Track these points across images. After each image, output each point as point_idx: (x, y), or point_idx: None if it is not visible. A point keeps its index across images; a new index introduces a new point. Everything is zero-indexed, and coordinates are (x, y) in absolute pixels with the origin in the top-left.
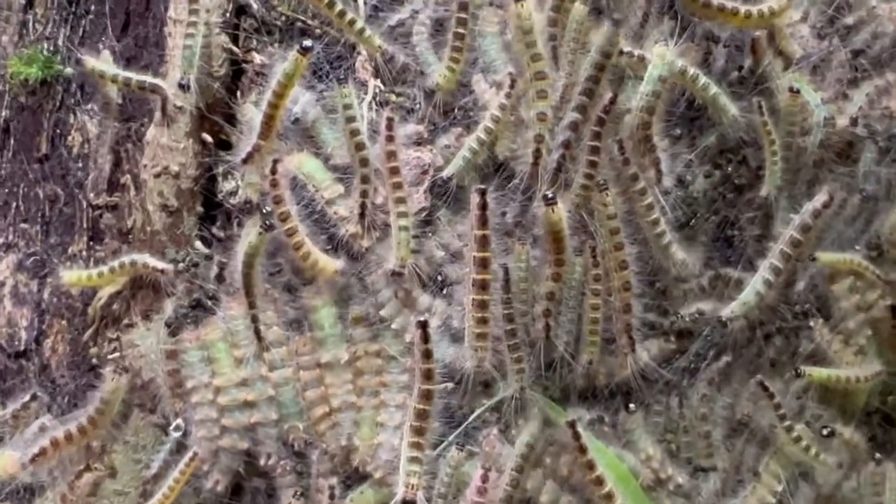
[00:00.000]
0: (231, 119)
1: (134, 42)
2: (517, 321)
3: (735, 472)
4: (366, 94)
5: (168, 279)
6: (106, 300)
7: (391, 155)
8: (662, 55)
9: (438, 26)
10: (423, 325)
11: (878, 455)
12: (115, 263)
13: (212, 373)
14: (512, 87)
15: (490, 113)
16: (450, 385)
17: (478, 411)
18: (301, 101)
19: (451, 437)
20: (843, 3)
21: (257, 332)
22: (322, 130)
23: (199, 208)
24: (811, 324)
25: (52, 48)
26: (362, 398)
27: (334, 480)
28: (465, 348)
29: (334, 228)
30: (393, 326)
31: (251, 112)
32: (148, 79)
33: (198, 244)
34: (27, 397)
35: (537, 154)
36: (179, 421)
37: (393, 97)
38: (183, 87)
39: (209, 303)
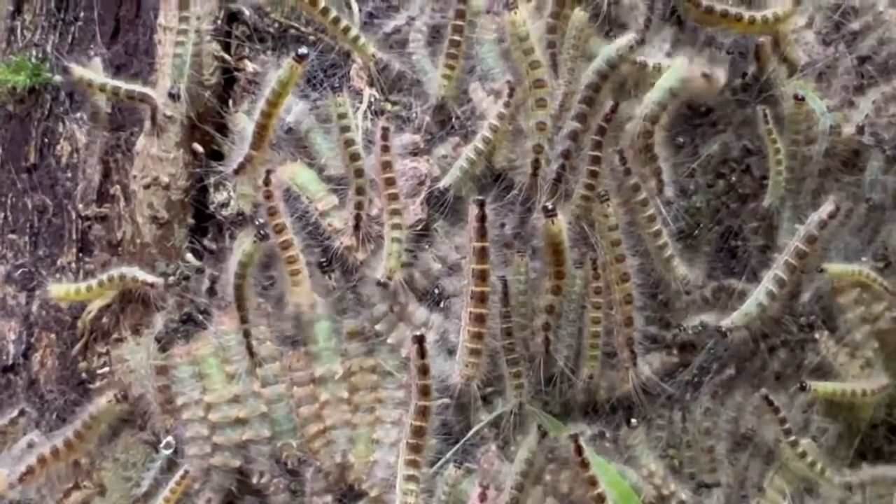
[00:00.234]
0: (222, 129)
1: (124, 50)
2: (516, 335)
3: (739, 487)
4: (361, 102)
5: (158, 293)
6: (95, 313)
7: (387, 165)
8: (680, 70)
9: (435, 33)
10: (420, 340)
11: None
12: (104, 277)
13: (203, 389)
14: (510, 95)
15: (488, 122)
16: (447, 401)
17: (476, 427)
18: (295, 110)
19: (448, 454)
20: (849, 8)
21: (249, 347)
22: (316, 140)
23: (190, 220)
24: (816, 336)
25: (40, 55)
26: (357, 415)
27: (329, 499)
28: (455, 362)
29: (329, 241)
30: (389, 341)
31: (243, 121)
32: (137, 88)
33: (188, 257)
34: (15, 413)
35: (536, 164)
36: (170, 438)
37: (389, 106)
38: (173, 96)
39: (200, 317)
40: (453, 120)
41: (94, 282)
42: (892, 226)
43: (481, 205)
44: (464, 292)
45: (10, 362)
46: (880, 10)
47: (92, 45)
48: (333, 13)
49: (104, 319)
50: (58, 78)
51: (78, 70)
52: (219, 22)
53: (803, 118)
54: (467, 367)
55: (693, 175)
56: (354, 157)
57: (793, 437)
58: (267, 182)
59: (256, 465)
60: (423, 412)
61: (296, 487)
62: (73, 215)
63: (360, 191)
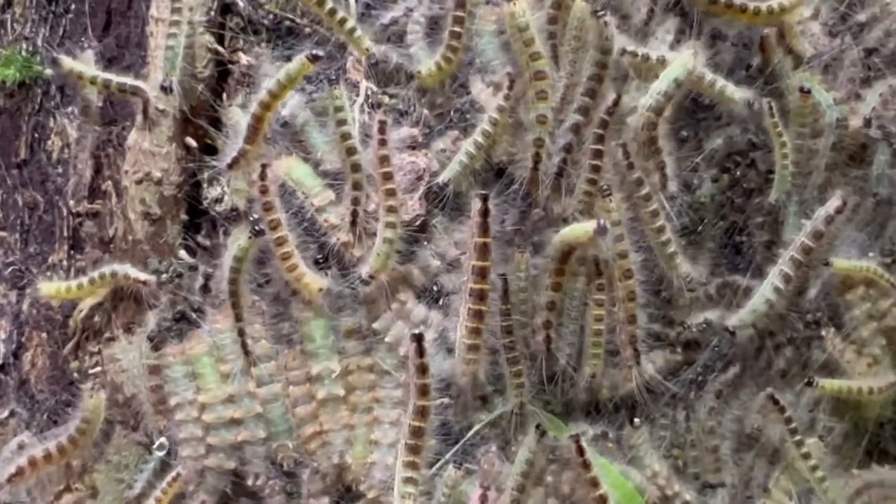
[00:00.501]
0: (216, 122)
1: (115, 42)
2: (516, 333)
3: (744, 488)
4: (357, 95)
5: (151, 291)
6: (87, 312)
7: (384, 160)
8: (687, 61)
9: (433, 24)
10: (419, 339)
11: None
12: (95, 275)
13: (197, 389)
14: (510, 87)
15: (488, 115)
16: (446, 400)
17: (476, 427)
18: (290, 103)
19: (447, 455)
20: None
21: (244, 346)
22: (312, 134)
23: (184, 216)
24: (823, 333)
25: (30, 49)
26: (355, 415)
27: (326, 501)
28: (456, 362)
29: (325, 237)
30: (386, 339)
31: (237, 115)
32: (128, 81)
33: (182, 254)
34: (5, 413)
35: (537, 158)
36: (163, 439)
37: (386, 99)
38: (165, 89)
39: (194, 315)
40: (452, 113)
41: (85, 280)
42: None
43: (484, 199)
44: (463, 289)
45: (1, 362)
46: (887, 1)
47: (83, 38)
48: (329, 4)
49: (96, 318)
50: (48, 72)
51: (68, 62)
52: (212, 13)
53: (809, 111)
54: (467, 364)
55: (697, 169)
56: (351, 151)
57: (798, 437)
58: (262, 177)
59: (252, 467)
60: (422, 412)
61: (292, 489)
62: (65, 212)
63: (356, 186)
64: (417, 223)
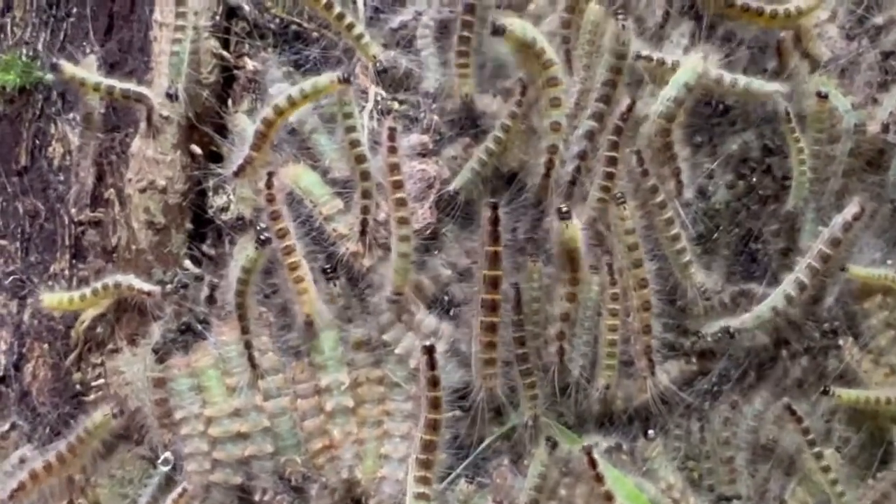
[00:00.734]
0: (222, 129)
1: (118, 47)
2: (529, 344)
3: (760, 499)
4: (366, 101)
5: (155, 302)
6: (89, 323)
7: (394, 168)
8: (696, 65)
9: (443, 29)
10: (430, 351)
11: None
12: (98, 285)
13: (202, 402)
14: (522, 94)
15: (500, 122)
16: (457, 413)
17: (488, 440)
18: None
19: (458, 469)
20: (873, 2)
21: (251, 359)
22: (320, 141)
23: (188, 225)
24: (840, 342)
25: (31, 53)
26: (364, 428)
27: None
28: (473, 377)
29: (333, 247)
30: (396, 351)
31: (243, 122)
32: (132, 87)
33: (187, 264)
34: (6, 426)
35: (550, 165)
36: (168, 454)
37: (395, 105)
38: (171, 95)
39: (199, 327)
40: (463, 119)
41: (88, 290)
42: None
43: (494, 207)
44: (474, 300)
45: (1, 374)
46: None
47: (84, 43)
48: (337, 8)
49: (99, 329)
50: (49, 77)
51: (69, 68)
52: (217, 18)
53: (826, 116)
54: (483, 379)
55: (712, 176)
56: (360, 158)
57: (817, 449)
58: (269, 185)
59: (259, 482)
60: (433, 425)
61: None
62: (66, 220)
63: (366, 194)
64: (428, 232)
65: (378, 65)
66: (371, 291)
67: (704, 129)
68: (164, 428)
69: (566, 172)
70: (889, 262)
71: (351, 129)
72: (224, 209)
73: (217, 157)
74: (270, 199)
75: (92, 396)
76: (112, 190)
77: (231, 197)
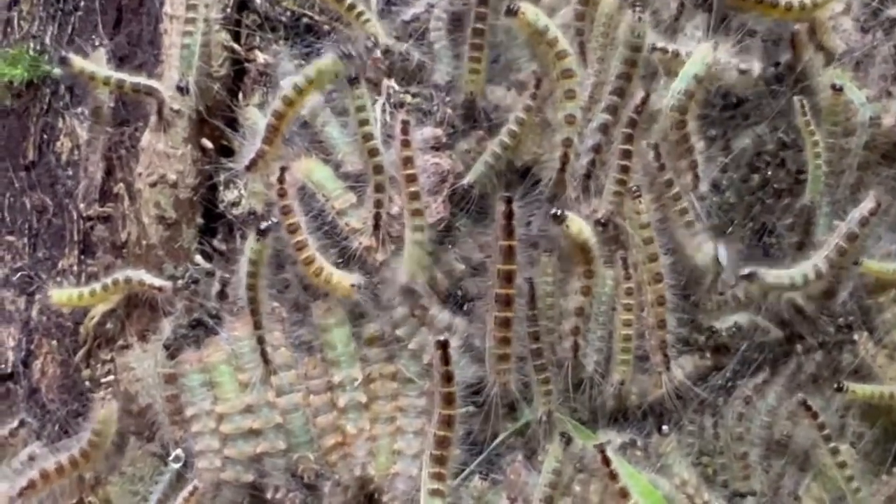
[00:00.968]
0: (233, 123)
1: (127, 40)
2: (543, 339)
3: (774, 495)
4: (379, 95)
5: (166, 297)
6: (99, 319)
7: (407, 161)
8: (705, 55)
9: (456, 20)
10: (444, 346)
11: None
12: (108, 281)
13: (214, 398)
14: (537, 86)
15: (514, 115)
16: (471, 408)
17: (502, 436)
18: (309, 102)
19: (472, 465)
20: None
21: (263, 354)
22: (332, 134)
23: (199, 220)
24: (854, 337)
25: (38, 47)
26: (378, 424)
27: None
28: (487, 373)
29: (346, 241)
30: (410, 346)
31: (254, 115)
32: (143, 80)
33: (198, 259)
34: (15, 423)
35: (565, 159)
36: (179, 451)
37: (408, 98)
38: (181, 89)
39: (211, 322)
40: (477, 113)
41: (97, 286)
42: None
43: (508, 201)
44: (488, 294)
45: (10, 370)
46: None
47: (93, 36)
48: (349, 0)
49: (108, 325)
50: (57, 71)
51: (78, 62)
52: (228, 10)
53: (841, 109)
54: (497, 374)
55: (726, 170)
56: (373, 152)
57: (833, 444)
58: (281, 179)
59: (271, 480)
60: (447, 421)
61: (312, 502)
62: (75, 215)
63: (379, 188)
64: (441, 226)
65: (388, 55)
66: (384, 286)
67: (718, 122)
68: (175, 424)
69: (581, 166)
70: None
71: (364, 122)
72: (235, 204)
73: (228, 151)
74: (282, 194)
75: (101, 393)
76: (122, 184)
77: (242, 191)
